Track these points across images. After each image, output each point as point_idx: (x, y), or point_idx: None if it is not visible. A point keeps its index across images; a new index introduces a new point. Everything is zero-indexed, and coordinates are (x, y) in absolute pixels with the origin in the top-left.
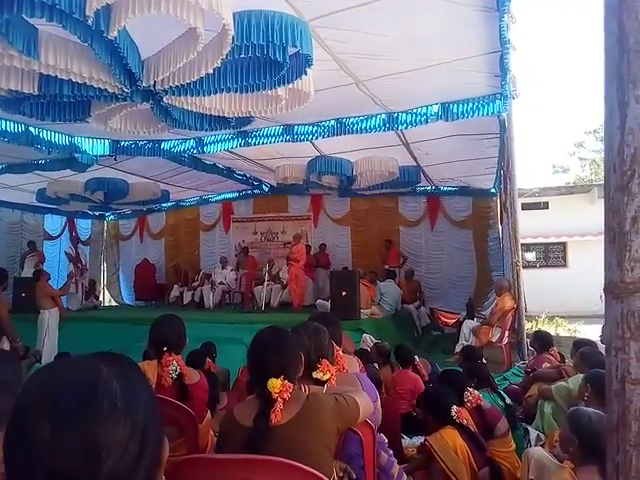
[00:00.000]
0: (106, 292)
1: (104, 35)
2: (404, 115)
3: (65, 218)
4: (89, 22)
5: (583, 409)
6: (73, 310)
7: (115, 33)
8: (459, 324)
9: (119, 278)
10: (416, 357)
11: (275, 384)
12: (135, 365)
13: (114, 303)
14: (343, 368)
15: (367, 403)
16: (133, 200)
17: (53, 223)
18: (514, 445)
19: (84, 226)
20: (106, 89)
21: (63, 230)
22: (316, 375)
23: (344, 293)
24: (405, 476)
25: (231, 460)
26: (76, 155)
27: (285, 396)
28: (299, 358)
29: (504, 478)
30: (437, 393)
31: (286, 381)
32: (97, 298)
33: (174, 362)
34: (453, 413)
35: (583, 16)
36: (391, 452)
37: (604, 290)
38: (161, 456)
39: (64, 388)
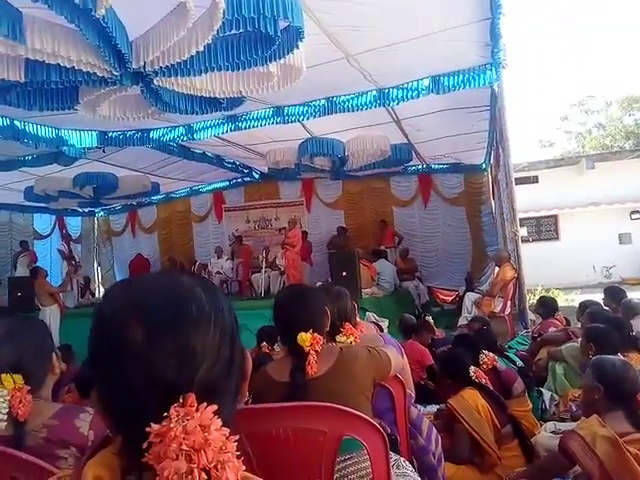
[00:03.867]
0: (102, 289)
1: (92, 14)
2: (395, 90)
3: (54, 217)
4: (76, 1)
5: (606, 357)
6: (70, 307)
7: (103, 11)
8: (459, 300)
9: (114, 274)
10: (428, 319)
11: (305, 337)
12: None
13: None
14: (362, 332)
15: (397, 356)
16: (123, 194)
17: (43, 222)
18: (530, 405)
19: (74, 224)
20: (95, 73)
21: (53, 229)
22: (340, 339)
23: (344, 274)
24: (435, 430)
25: (274, 409)
26: (63, 148)
27: (317, 348)
28: (325, 312)
29: (526, 433)
30: (454, 355)
31: (315, 334)
32: (93, 295)
33: None
34: (471, 373)
35: None
36: (420, 407)
37: None
38: (246, 368)
39: (150, 296)
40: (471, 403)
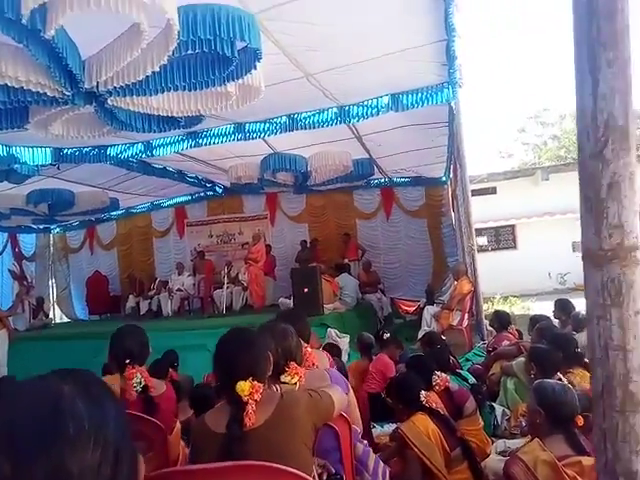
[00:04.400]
0: (57, 308)
1: (40, 35)
2: (355, 108)
3: (6, 234)
4: (24, 21)
5: (547, 381)
6: (21, 330)
7: (52, 32)
8: (420, 311)
9: (70, 293)
10: (386, 336)
11: (244, 387)
12: (99, 379)
13: (66, 319)
14: (313, 364)
15: (341, 396)
16: (80, 210)
17: None
18: (482, 423)
19: (28, 241)
20: (45, 93)
21: (5, 247)
22: (284, 378)
23: (306, 289)
24: (382, 464)
25: (207, 470)
26: (15, 166)
27: (256, 397)
28: (267, 357)
29: (475, 456)
30: (405, 381)
31: (255, 382)
32: (47, 316)
33: (138, 374)
34: (422, 398)
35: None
36: (366, 442)
37: (582, 258)
38: (137, 475)
39: (23, 417)
40: (422, 428)
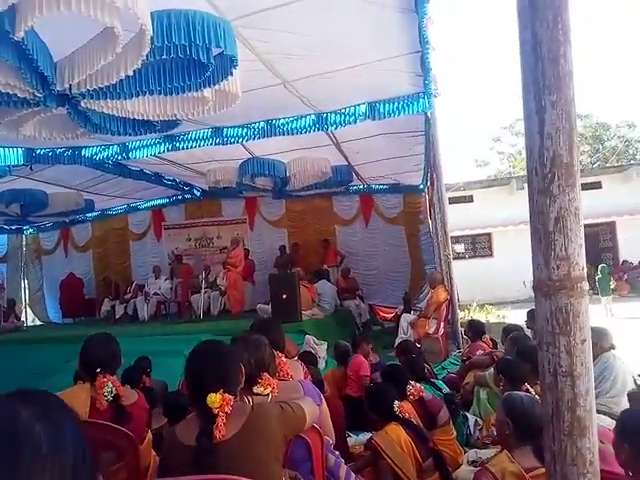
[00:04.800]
0: (29, 311)
1: (10, 36)
2: (333, 115)
3: None
4: None
5: (515, 393)
6: None
7: (22, 34)
8: (397, 318)
9: (43, 295)
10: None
11: (214, 399)
12: (59, 401)
13: (39, 322)
14: (287, 374)
15: (312, 408)
16: (54, 212)
17: None
18: (455, 432)
19: None
20: (15, 94)
21: None
22: (257, 390)
23: (284, 296)
24: (353, 475)
25: None
26: None
27: (227, 410)
28: (238, 369)
29: (447, 466)
30: (379, 392)
31: (226, 394)
32: (18, 318)
33: (109, 383)
34: (395, 409)
35: (496, 14)
36: (337, 453)
37: (533, 288)
38: None
39: None
40: (394, 438)
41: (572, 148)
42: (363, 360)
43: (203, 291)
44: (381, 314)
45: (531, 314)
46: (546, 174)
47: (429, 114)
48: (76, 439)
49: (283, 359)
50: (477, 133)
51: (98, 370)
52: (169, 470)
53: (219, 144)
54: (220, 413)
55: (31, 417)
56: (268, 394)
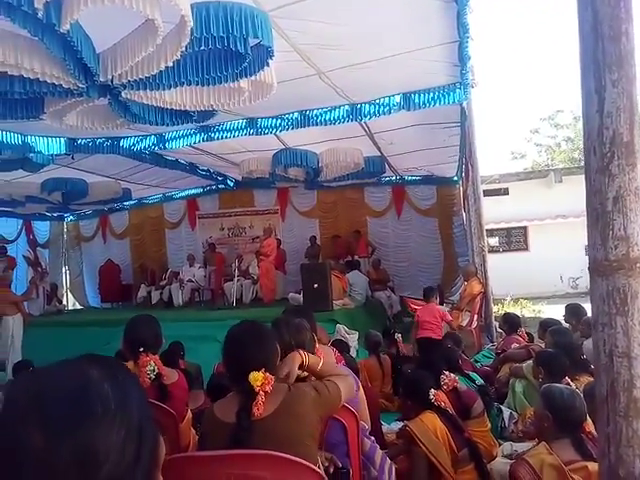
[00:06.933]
0: (70, 295)
1: (56, 29)
2: (367, 106)
3: (21, 221)
4: (39, 15)
5: (555, 386)
6: (35, 315)
7: (67, 26)
8: None
9: (83, 280)
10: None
11: (257, 377)
12: (123, 365)
13: (79, 306)
14: (321, 360)
15: (348, 385)
16: (93, 200)
17: (8, 227)
18: (489, 425)
19: (42, 228)
20: (60, 84)
21: (19, 233)
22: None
23: (316, 285)
24: (388, 461)
25: (216, 456)
26: (30, 155)
27: (267, 389)
28: (276, 351)
29: (482, 457)
30: (415, 378)
31: (267, 373)
32: (60, 302)
33: (152, 362)
34: (431, 396)
35: (537, 4)
36: (373, 438)
37: (589, 269)
38: (158, 456)
39: (53, 394)
40: (430, 427)
41: (633, 127)
42: (438, 307)
43: (236, 279)
44: (412, 306)
45: (570, 309)
46: (605, 153)
47: (465, 105)
48: (140, 401)
49: (317, 345)
50: (513, 125)
51: (141, 350)
52: (209, 446)
53: (253, 134)
54: (260, 392)
55: (100, 377)
56: (306, 377)
